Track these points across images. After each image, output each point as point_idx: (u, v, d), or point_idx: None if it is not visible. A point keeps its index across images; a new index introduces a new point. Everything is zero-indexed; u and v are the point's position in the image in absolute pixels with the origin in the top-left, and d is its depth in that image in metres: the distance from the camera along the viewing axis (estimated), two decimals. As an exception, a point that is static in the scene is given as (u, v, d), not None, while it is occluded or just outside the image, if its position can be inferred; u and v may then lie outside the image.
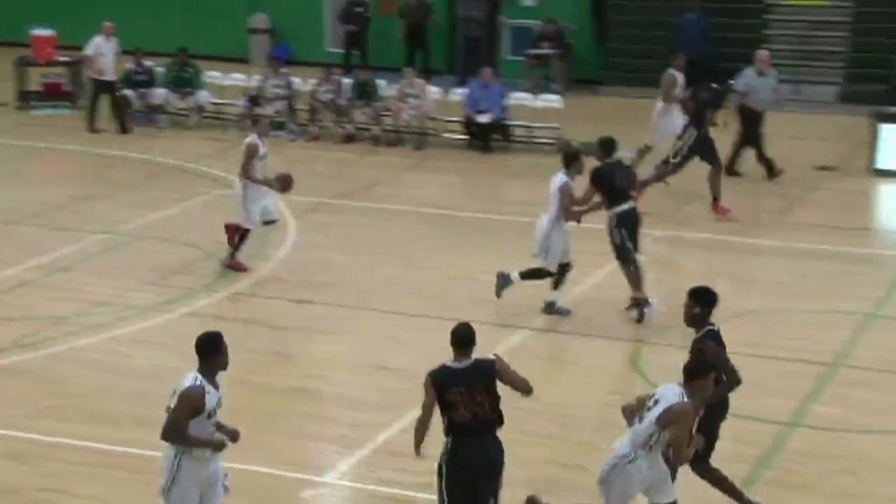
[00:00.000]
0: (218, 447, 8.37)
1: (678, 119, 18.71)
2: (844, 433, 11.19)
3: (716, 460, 10.70)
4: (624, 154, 15.67)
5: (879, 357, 13.00)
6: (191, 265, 15.54)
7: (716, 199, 17.71)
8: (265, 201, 15.07)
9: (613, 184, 13.59)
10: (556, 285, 13.90)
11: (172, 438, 8.30)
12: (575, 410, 11.58)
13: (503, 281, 13.94)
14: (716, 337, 9.14)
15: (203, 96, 23.47)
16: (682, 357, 12.97)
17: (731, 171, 19.47)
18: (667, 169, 17.91)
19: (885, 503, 10.11)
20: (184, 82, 23.35)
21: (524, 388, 8.65)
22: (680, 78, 19.40)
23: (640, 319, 13.62)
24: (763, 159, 19.64)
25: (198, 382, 8.27)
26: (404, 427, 11.25)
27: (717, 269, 15.44)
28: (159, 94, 23.22)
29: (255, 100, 22.92)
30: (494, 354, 8.73)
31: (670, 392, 8.32)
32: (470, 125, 21.86)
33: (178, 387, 8.23)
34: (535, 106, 22.60)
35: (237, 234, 15.11)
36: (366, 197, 18.85)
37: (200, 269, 15.36)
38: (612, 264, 14.08)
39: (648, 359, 12.91)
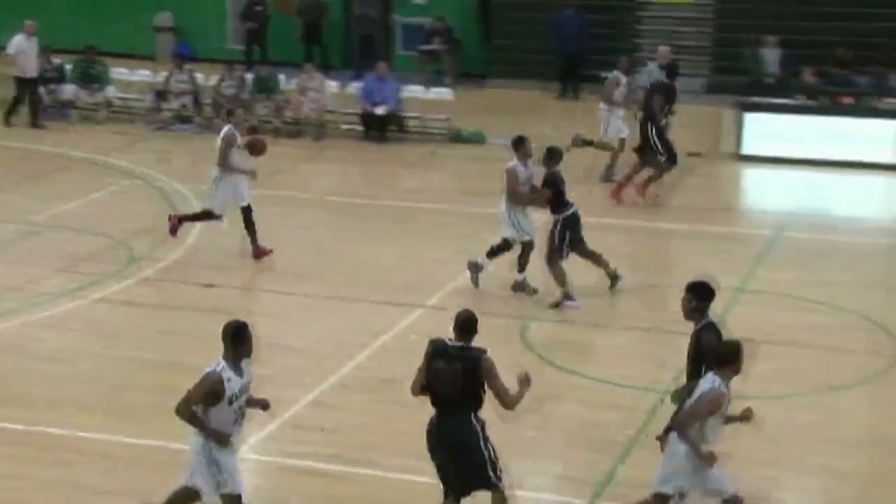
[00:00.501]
0: (220, 440, 8.06)
1: (620, 122, 18.65)
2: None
3: (606, 425, 10.72)
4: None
5: (748, 328, 12.96)
6: (101, 253, 15.12)
7: (621, 184, 17.64)
8: (241, 186, 14.89)
9: (559, 189, 13.42)
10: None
11: (181, 412, 8.06)
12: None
13: (520, 287, 13.76)
14: (715, 329, 8.90)
15: (111, 92, 22.92)
16: (567, 331, 13.11)
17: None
18: (662, 165, 17.60)
19: (759, 465, 10.13)
20: (92, 79, 22.82)
21: (505, 401, 8.30)
22: (623, 80, 18.99)
23: (556, 305, 13.45)
24: None
25: (218, 368, 8.03)
26: (310, 403, 11.07)
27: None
28: (69, 90, 22.68)
29: (161, 95, 22.52)
30: (486, 354, 8.34)
31: (705, 381, 8.26)
32: (366, 117, 21.62)
33: None
34: (426, 98, 22.47)
35: (199, 215, 15.07)
36: (268, 186, 18.41)
37: (111, 257, 14.96)
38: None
39: (536, 334, 12.84)
